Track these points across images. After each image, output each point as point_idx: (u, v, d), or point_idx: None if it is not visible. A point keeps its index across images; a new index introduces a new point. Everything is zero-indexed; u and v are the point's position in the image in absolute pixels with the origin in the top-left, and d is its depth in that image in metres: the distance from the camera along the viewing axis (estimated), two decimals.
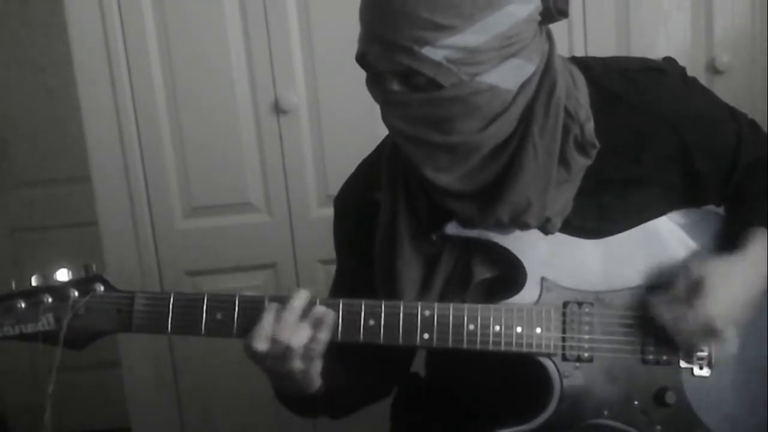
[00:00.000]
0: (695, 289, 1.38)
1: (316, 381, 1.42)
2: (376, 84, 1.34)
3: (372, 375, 1.57)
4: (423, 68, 1.26)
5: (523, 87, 1.34)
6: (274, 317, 1.36)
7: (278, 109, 2.55)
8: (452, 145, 1.34)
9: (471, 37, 1.25)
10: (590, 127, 1.40)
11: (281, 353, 1.35)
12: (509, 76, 1.31)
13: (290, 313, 1.36)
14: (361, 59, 1.33)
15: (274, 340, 1.35)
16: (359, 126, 2.32)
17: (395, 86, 1.31)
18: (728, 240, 1.47)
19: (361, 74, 1.37)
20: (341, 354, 1.47)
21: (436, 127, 1.32)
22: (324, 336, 1.37)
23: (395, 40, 1.26)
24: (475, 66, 1.27)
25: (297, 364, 1.36)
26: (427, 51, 1.25)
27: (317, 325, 1.36)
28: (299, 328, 1.36)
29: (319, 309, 1.37)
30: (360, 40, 1.32)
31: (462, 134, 1.32)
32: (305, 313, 1.37)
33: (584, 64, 1.47)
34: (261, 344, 1.35)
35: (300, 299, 1.38)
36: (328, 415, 1.59)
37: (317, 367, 1.39)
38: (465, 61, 1.26)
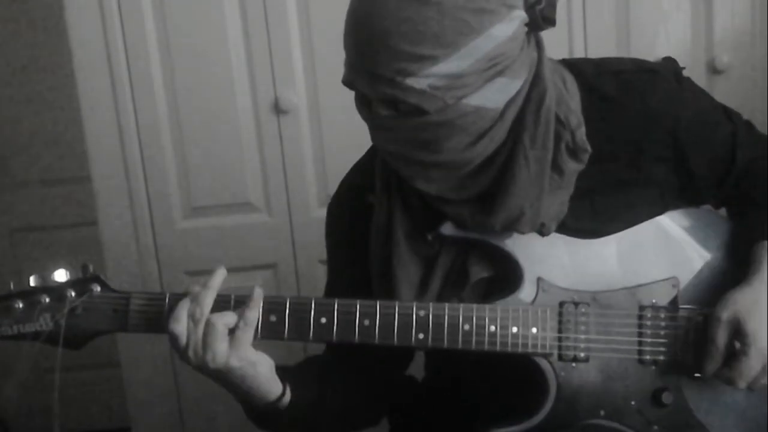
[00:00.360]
0: (737, 333, 1.36)
1: (271, 385, 1.41)
2: (364, 106, 1.34)
3: (360, 394, 1.56)
4: (407, 97, 1.26)
5: (510, 102, 1.33)
6: (190, 297, 1.35)
7: (278, 109, 2.55)
8: (441, 162, 1.34)
9: (454, 63, 1.24)
10: (582, 132, 1.39)
11: (202, 336, 1.33)
12: (495, 95, 1.30)
13: (207, 291, 1.35)
14: (348, 84, 1.33)
15: (190, 318, 1.33)
16: (359, 126, 2.29)
17: (382, 111, 1.30)
18: (735, 248, 1.48)
19: None
20: (329, 370, 1.47)
21: (424, 147, 1.32)
22: (251, 314, 1.35)
23: (378, 72, 1.25)
24: (459, 90, 1.26)
25: (221, 351, 1.33)
26: (411, 81, 1.24)
27: (245, 305, 1.35)
28: (223, 310, 1.35)
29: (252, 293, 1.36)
30: (345, 66, 1.32)
31: (451, 152, 1.32)
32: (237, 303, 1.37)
33: (576, 67, 1.46)
34: (174, 324, 1.33)
35: (218, 276, 1.37)
36: None
37: (247, 355, 1.35)
38: (449, 86, 1.25)
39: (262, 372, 1.38)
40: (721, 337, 1.37)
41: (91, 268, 1.40)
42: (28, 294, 1.38)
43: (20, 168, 3.53)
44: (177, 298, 1.38)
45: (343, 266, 1.58)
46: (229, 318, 1.34)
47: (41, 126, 3.47)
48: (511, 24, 1.27)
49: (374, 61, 1.25)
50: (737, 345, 1.36)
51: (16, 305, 1.37)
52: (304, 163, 2.60)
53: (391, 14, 1.22)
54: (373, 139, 1.39)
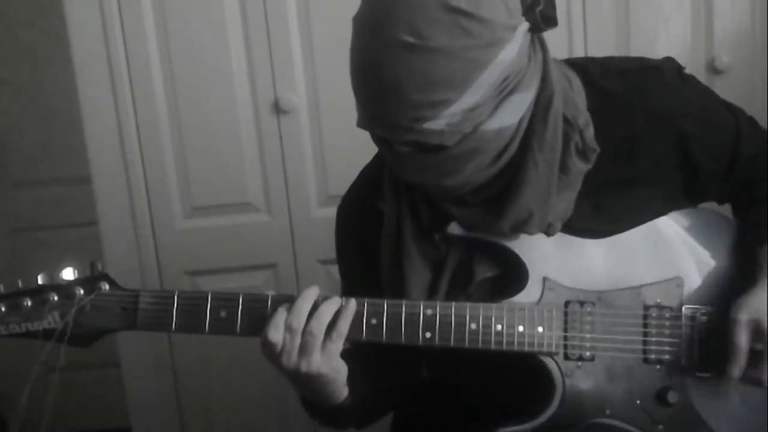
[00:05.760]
0: (757, 333, 1.37)
1: (343, 389, 1.43)
2: (383, 143, 1.34)
3: (393, 378, 1.58)
4: (428, 139, 1.26)
5: (525, 113, 1.33)
6: (288, 307, 1.36)
7: (278, 109, 2.55)
8: (464, 183, 1.34)
9: (468, 98, 1.24)
10: (590, 132, 1.39)
11: (297, 345, 1.35)
12: (510, 113, 1.30)
13: (303, 301, 1.36)
14: (364, 128, 1.33)
15: (287, 328, 1.35)
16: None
17: (403, 148, 1.30)
18: (737, 249, 1.49)
19: None
20: (362, 360, 1.48)
21: (447, 174, 1.32)
22: (343, 325, 1.36)
23: (395, 122, 1.25)
24: (476, 119, 1.26)
25: (316, 359, 1.35)
26: (429, 125, 1.24)
27: (336, 314, 1.37)
28: (315, 318, 1.36)
29: (338, 299, 1.38)
30: (359, 111, 1.31)
31: (473, 174, 1.33)
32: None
33: (581, 66, 1.47)
34: (273, 333, 1.35)
35: (313, 290, 1.38)
36: (354, 426, 1.59)
37: (335, 364, 1.38)
38: (466, 118, 1.25)
39: (342, 379, 1.41)
40: (744, 338, 1.37)
41: (99, 266, 1.41)
42: (37, 292, 1.38)
43: (20, 168, 3.53)
44: (187, 295, 1.39)
45: (353, 272, 1.59)
46: (322, 325, 1.36)
47: (41, 126, 3.47)
48: (515, 43, 1.26)
49: (389, 113, 1.25)
50: (759, 346, 1.37)
51: (25, 303, 1.38)
52: (304, 163, 2.59)
53: (399, 66, 1.21)
54: (395, 171, 1.39)
